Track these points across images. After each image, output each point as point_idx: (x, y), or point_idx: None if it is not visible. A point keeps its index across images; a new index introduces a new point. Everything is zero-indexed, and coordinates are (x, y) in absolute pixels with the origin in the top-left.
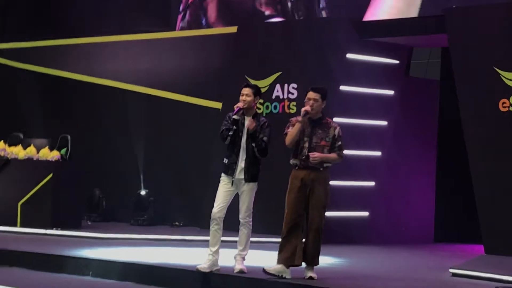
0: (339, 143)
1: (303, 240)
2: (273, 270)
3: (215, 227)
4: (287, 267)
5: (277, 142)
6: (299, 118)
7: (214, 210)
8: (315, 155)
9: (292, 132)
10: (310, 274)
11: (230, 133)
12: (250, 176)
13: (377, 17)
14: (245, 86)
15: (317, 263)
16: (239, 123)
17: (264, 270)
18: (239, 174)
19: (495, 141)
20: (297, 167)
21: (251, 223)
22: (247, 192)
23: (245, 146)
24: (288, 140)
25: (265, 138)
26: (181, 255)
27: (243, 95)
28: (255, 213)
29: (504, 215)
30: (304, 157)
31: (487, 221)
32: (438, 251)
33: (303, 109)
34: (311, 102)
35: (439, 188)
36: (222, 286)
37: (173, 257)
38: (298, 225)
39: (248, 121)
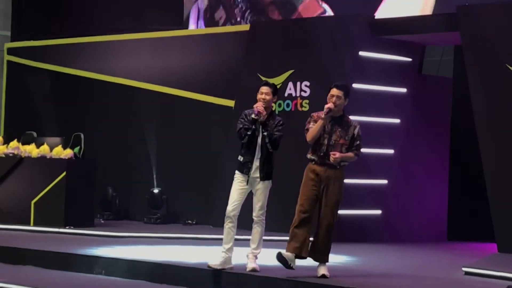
0: (358, 142)
1: (313, 235)
2: (286, 256)
3: (229, 224)
4: (295, 256)
5: (290, 140)
6: (321, 113)
7: (229, 208)
8: (336, 155)
9: (314, 129)
10: (322, 272)
11: (249, 132)
12: (265, 174)
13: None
14: (264, 85)
15: (327, 260)
16: (257, 122)
17: (280, 253)
18: (254, 173)
19: (508, 139)
20: (313, 162)
21: (264, 221)
22: (262, 190)
23: (260, 144)
24: (309, 136)
25: (277, 133)
26: (193, 254)
27: (262, 93)
28: (269, 211)
29: None
30: (322, 154)
31: (500, 220)
32: (451, 249)
33: (326, 106)
34: (334, 99)
35: (452, 186)
36: (235, 284)
37: (185, 255)
38: (310, 218)
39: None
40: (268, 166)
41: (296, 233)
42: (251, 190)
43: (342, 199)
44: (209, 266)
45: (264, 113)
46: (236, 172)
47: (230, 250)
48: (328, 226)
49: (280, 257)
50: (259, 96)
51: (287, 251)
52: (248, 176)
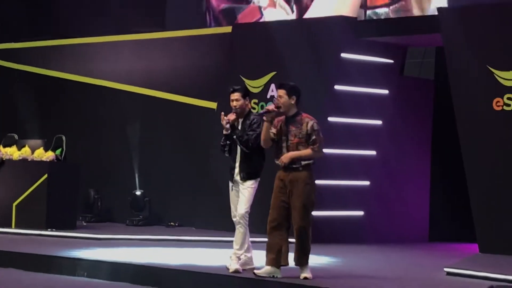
0: (313, 137)
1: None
2: (263, 272)
3: (237, 230)
4: (277, 267)
5: None
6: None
7: (232, 215)
8: (282, 160)
9: (262, 133)
10: (304, 274)
11: (226, 149)
12: (245, 174)
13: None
14: (232, 92)
15: (305, 263)
16: (234, 130)
17: (254, 274)
18: (237, 175)
19: (490, 140)
20: (280, 168)
21: (246, 222)
22: (242, 191)
23: (239, 148)
24: (261, 141)
25: (250, 132)
26: (176, 255)
27: (232, 100)
28: (257, 213)
29: (499, 214)
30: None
31: (481, 220)
32: (433, 250)
33: (265, 108)
34: (278, 99)
35: (434, 187)
36: (217, 286)
37: (168, 257)
38: (281, 225)
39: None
40: (247, 166)
41: (269, 244)
42: None
43: (311, 200)
44: (234, 271)
45: (233, 119)
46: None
47: (247, 251)
48: (298, 230)
49: (257, 277)
50: (231, 104)
51: (266, 264)
52: (233, 181)
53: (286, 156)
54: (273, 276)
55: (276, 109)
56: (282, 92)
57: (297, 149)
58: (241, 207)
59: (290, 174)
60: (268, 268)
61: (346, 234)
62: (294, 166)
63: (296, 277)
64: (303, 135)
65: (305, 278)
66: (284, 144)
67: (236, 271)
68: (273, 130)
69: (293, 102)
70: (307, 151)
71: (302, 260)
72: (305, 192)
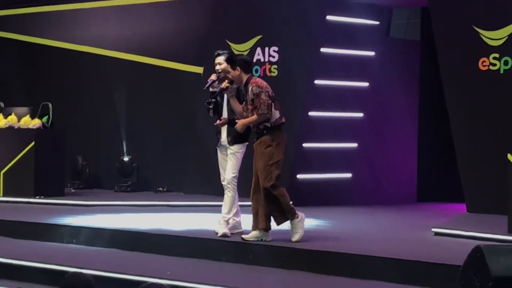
0: (255, 102)
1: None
2: (250, 237)
3: (225, 194)
4: (265, 230)
5: None
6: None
7: (222, 179)
8: (238, 125)
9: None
10: (292, 239)
11: (211, 106)
12: (232, 138)
13: None
14: (217, 55)
15: (282, 221)
16: (218, 93)
17: (242, 239)
18: (224, 139)
19: (476, 100)
20: None
21: (234, 187)
22: (230, 156)
23: (226, 112)
24: (237, 115)
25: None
26: (165, 221)
27: (216, 64)
28: (248, 178)
29: (486, 173)
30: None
31: (469, 180)
32: (421, 210)
33: (209, 79)
34: (217, 67)
35: (421, 148)
36: (206, 250)
37: (157, 222)
38: (256, 189)
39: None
40: (234, 130)
41: (252, 209)
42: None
43: (275, 161)
44: (222, 235)
45: (216, 78)
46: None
47: (235, 215)
48: (263, 191)
49: (245, 241)
50: (215, 67)
51: (252, 228)
52: (220, 145)
53: (239, 125)
54: (261, 240)
55: (229, 85)
56: (221, 59)
57: (253, 115)
58: (229, 171)
59: (255, 140)
60: (254, 232)
61: (334, 197)
62: (257, 131)
63: (285, 240)
64: (251, 101)
65: (295, 241)
66: (246, 114)
67: (224, 235)
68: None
69: (238, 72)
70: (253, 117)
71: (276, 220)
72: (266, 154)
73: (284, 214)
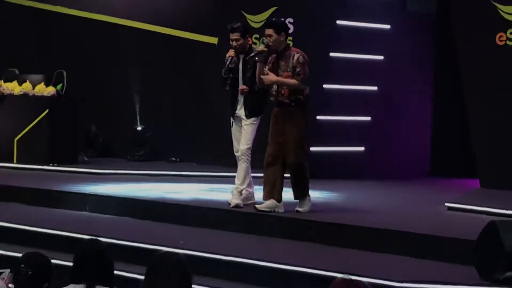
0: (298, 69)
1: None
2: (264, 207)
3: (239, 165)
4: (277, 201)
5: None
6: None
7: (235, 151)
8: (266, 77)
9: (257, 73)
10: (297, 208)
11: (228, 81)
12: (249, 111)
13: None
14: (231, 31)
15: (302, 195)
16: (235, 66)
17: (255, 208)
18: (240, 111)
19: (492, 75)
20: (275, 105)
21: (249, 158)
22: (245, 127)
23: (242, 83)
24: (256, 81)
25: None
26: (177, 190)
27: (232, 40)
28: (261, 150)
29: (500, 149)
30: (274, 92)
31: (482, 155)
32: (434, 185)
33: (256, 48)
34: (266, 39)
35: (435, 123)
36: (219, 220)
37: (169, 192)
38: (275, 160)
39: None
40: (252, 103)
41: (265, 179)
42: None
43: (303, 135)
44: (235, 206)
45: (234, 54)
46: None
47: (249, 186)
48: (292, 166)
49: (258, 211)
50: (231, 43)
51: (263, 198)
52: (235, 115)
53: (268, 77)
54: (274, 211)
55: (266, 49)
56: (270, 31)
57: None
58: (243, 142)
59: (282, 109)
60: (268, 202)
61: (346, 170)
62: (285, 101)
63: (290, 211)
64: (291, 69)
65: (297, 211)
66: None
67: (237, 205)
68: (267, 69)
69: (282, 38)
70: (291, 80)
71: (299, 194)
72: (298, 128)
73: (305, 190)
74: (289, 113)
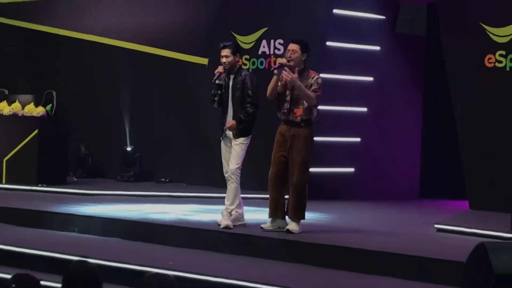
0: (315, 87)
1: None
2: (268, 227)
3: (228, 186)
4: (282, 218)
5: (264, 98)
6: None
7: (224, 171)
8: (293, 76)
9: (270, 84)
10: (288, 226)
11: (216, 98)
12: (238, 131)
13: None
14: (223, 48)
15: (300, 217)
16: (224, 84)
17: (261, 228)
18: (229, 131)
19: (481, 97)
20: (282, 122)
21: (237, 178)
22: (235, 147)
23: (231, 103)
24: (267, 92)
25: (248, 108)
26: (167, 211)
27: (222, 57)
28: (253, 170)
29: (489, 171)
30: (286, 111)
31: (472, 177)
32: (423, 206)
33: (278, 62)
34: (289, 53)
35: (425, 144)
36: (209, 241)
37: (159, 213)
38: (279, 180)
39: (228, 124)
40: (241, 123)
41: (270, 198)
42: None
43: (310, 157)
44: (223, 226)
45: (224, 71)
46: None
47: (238, 207)
48: (296, 185)
49: (264, 230)
50: (221, 60)
51: (269, 217)
52: (224, 136)
53: (293, 77)
54: (280, 228)
55: (288, 63)
56: (296, 47)
57: (301, 102)
58: (232, 162)
59: (292, 129)
60: (275, 221)
61: (336, 191)
62: (296, 121)
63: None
64: (307, 87)
65: (288, 230)
66: (287, 98)
67: (227, 226)
68: (279, 84)
69: (303, 58)
70: (310, 92)
71: (297, 215)
72: (307, 149)
73: (303, 212)
74: (298, 134)
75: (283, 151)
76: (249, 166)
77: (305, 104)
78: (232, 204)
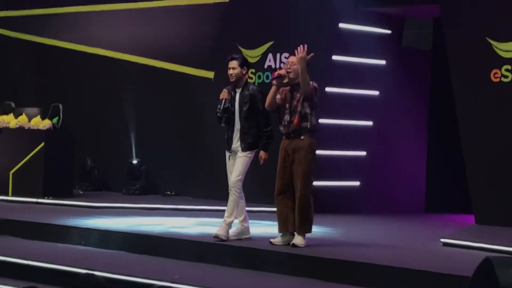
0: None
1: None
2: (278, 241)
3: (230, 197)
4: (291, 234)
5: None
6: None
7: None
8: (298, 56)
9: (269, 95)
10: (293, 241)
11: (223, 119)
12: (246, 145)
13: None
14: (231, 59)
15: (306, 231)
16: (231, 98)
17: (270, 243)
18: (236, 145)
19: (486, 112)
20: (284, 137)
21: (237, 190)
22: (239, 159)
23: (238, 118)
24: (266, 102)
25: (266, 131)
26: (173, 224)
27: (229, 68)
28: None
29: (495, 185)
30: (286, 123)
31: (477, 191)
32: (429, 221)
33: (276, 72)
34: (289, 65)
35: (430, 158)
36: (214, 255)
37: (165, 226)
38: (286, 195)
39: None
40: (248, 137)
41: (277, 213)
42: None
43: (313, 169)
44: (214, 237)
45: (227, 96)
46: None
47: (244, 221)
48: (300, 198)
49: (273, 245)
50: (228, 72)
51: (278, 231)
52: (231, 151)
53: (304, 56)
54: (289, 243)
55: (286, 74)
56: (235, 63)
57: (300, 110)
58: (234, 174)
59: (292, 142)
60: (285, 236)
61: (342, 205)
62: (295, 129)
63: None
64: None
65: (293, 244)
66: (287, 111)
67: (217, 236)
68: (278, 96)
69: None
70: (306, 75)
71: (304, 228)
72: (307, 161)
73: (310, 225)
74: (299, 146)
75: (286, 165)
76: (257, 179)
77: (300, 110)
78: (230, 216)
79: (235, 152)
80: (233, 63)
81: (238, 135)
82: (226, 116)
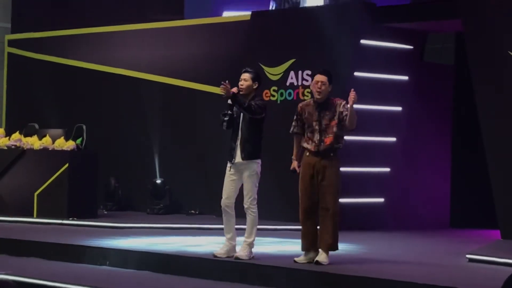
0: (346, 112)
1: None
2: (302, 260)
3: (225, 216)
4: (315, 251)
5: (286, 130)
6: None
7: (222, 199)
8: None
9: (294, 148)
10: (317, 258)
11: (226, 118)
12: (247, 153)
13: None
14: (244, 71)
15: (333, 248)
16: (233, 107)
17: (295, 261)
18: (238, 156)
19: (510, 126)
20: (308, 154)
21: (254, 209)
22: (247, 178)
23: (241, 126)
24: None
25: (253, 103)
26: (197, 244)
27: (241, 80)
28: (265, 201)
29: None
30: (316, 141)
31: (503, 206)
32: (455, 236)
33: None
34: (319, 84)
35: (455, 173)
36: (239, 273)
37: (190, 245)
38: (312, 212)
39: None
40: (249, 145)
41: (303, 231)
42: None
43: (340, 187)
44: (214, 256)
45: (237, 91)
46: (228, 162)
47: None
48: (333, 215)
49: (298, 264)
50: (239, 82)
51: (303, 249)
52: (233, 162)
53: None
54: (314, 261)
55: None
56: (324, 78)
57: (335, 131)
58: (246, 194)
59: (322, 160)
60: (308, 254)
61: (366, 221)
62: (326, 149)
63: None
64: (337, 117)
65: (317, 262)
66: (317, 128)
67: (238, 257)
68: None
69: (329, 90)
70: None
71: (332, 246)
72: (337, 178)
73: (337, 242)
74: (329, 164)
75: (314, 183)
76: (280, 197)
77: (335, 130)
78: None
79: (237, 167)
80: (245, 75)
81: (239, 145)
82: (229, 115)
